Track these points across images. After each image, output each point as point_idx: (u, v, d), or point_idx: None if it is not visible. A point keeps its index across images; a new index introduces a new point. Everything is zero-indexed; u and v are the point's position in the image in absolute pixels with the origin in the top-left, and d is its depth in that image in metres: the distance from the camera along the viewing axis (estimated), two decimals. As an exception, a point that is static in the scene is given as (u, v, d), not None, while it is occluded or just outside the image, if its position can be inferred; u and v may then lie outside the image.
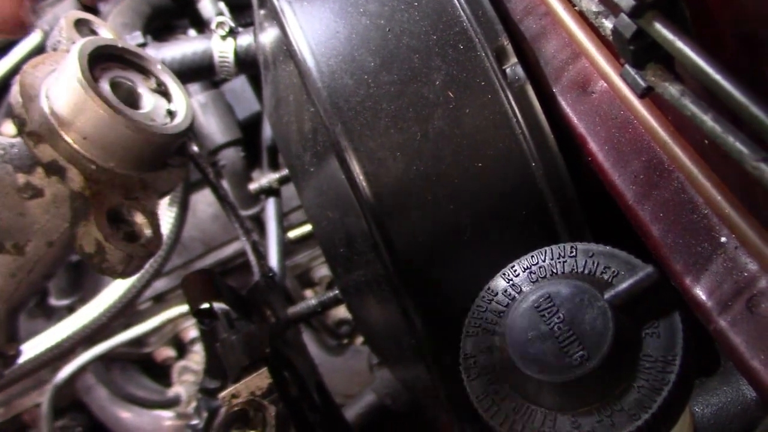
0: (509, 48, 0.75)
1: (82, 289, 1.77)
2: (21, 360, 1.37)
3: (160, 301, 1.80)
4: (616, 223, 0.70)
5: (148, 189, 0.74)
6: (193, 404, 1.68)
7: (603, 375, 0.48)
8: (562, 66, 0.75)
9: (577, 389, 0.48)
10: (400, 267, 0.75)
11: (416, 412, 1.38)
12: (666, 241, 0.63)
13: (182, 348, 1.88)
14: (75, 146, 0.70)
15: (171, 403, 1.80)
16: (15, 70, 1.55)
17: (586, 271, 0.53)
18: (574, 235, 0.73)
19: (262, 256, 1.06)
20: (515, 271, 0.55)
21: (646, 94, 0.54)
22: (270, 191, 1.23)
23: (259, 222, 1.63)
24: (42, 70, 0.74)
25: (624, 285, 0.50)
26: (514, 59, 0.75)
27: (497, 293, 0.54)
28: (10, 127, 1.61)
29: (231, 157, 1.61)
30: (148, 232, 0.72)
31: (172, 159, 0.78)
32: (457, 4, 0.77)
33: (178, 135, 0.73)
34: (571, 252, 0.54)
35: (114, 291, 1.34)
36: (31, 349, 1.36)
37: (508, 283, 0.55)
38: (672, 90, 0.52)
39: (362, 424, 1.35)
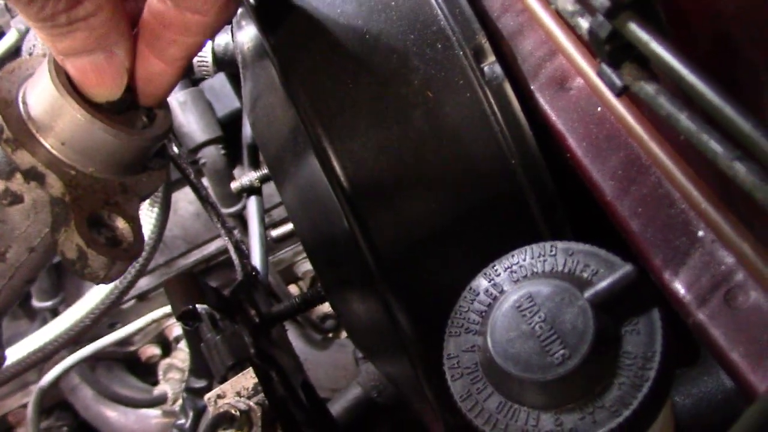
0: (487, 46, 0.75)
1: (64, 290, 1.77)
2: (6, 364, 1.37)
3: (144, 299, 1.79)
4: (596, 219, 0.71)
5: (129, 193, 0.73)
6: (179, 402, 1.68)
7: (584, 373, 0.48)
8: (539, 63, 0.75)
9: (559, 387, 0.49)
10: (382, 265, 0.75)
11: (402, 404, 1.39)
12: (645, 236, 0.64)
13: (167, 346, 1.88)
14: (53, 152, 0.69)
15: (157, 402, 1.80)
16: (-9, 70, 1.54)
17: (566, 270, 0.53)
18: (554, 232, 0.74)
19: (245, 255, 1.06)
20: (496, 270, 0.56)
21: (623, 92, 0.55)
22: (251, 190, 1.23)
23: (241, 219, 1.64)
24: (18, 75, 0.73)
25: (604, 283, 0.51)
26: (492, 57, 0.75)
27: (479, 293, 0.55)
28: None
29: (212, 155, 1.61)
30: (129, 236, 0.71)
31: (152, 162, 0.77)
32: (434, 4, 0.77)
33: (157, 138, 0.73)
34: (551, 251, 0.55)
35: (98, 293, 1.34)
36: (15, 352, 1.35)
37: (490, 282, 0.55)
38: (648, 89, 0.53)
39: (349, 417, 1.36)
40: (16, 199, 0.71)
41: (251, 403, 0.78)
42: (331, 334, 1.83)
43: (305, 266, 1.88)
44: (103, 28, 0.61)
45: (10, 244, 0.73)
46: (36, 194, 0.71)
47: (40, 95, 0.69)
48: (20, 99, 0.71)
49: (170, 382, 1.78)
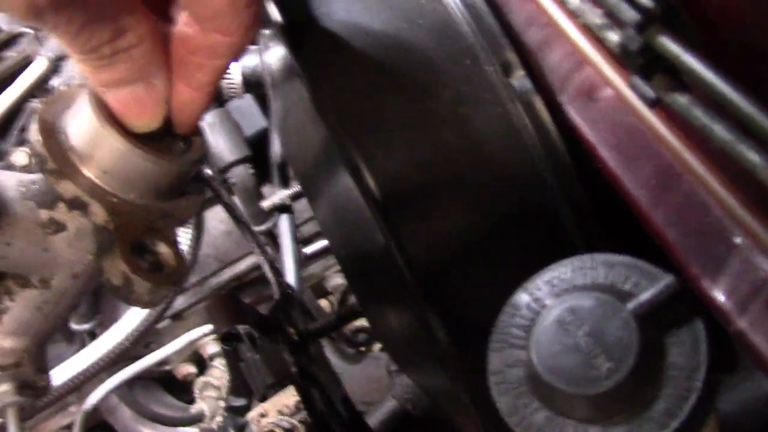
0: (515, 60, 0.76)
1: (100, 312, 1.79)
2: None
3: (178, 318, 1.81)
4: (631, 229, 0.71)
5: (169, 218, 0.75)
6: (217, 419, 1.69)
7: (630, 386, 0.49)
8: (567, 75, 0.75)
9: (606, 401, 0.49)
10: (417, 276, 0.76)
11: (436, 416, 1.39)
12: (681, 245, 0.64)
13: (202, 363, 1.90)
14: (96, 181, 0.71)
15: (194, 420, 1.82)
16: (23, 98, 1.57)
17: (608, 283, 0.54)
18: (589, 242, 0.74)
19: (279, 273, 1.07)
20: (536, 284, 0.56)
21: (656, 104, 0.55)
22: (283, 208, 1.24)
23: (271, 236, 1.65)
24: (59, 107, 0.75)
25: (646, 295, 0.51)
26: (520, 71, 0.76)
27: (520, 308, 0.55)
28: (21, 156, 1.63)
29: (241, 174, 1.62)
30: (171, 261, 0.73)
31: (189, 186, 0.79)
32: (461, 20, 0.78)
33: (195, 163, 0.75)
34: (592, 264, 0.55)
35: (136, 315, 1.36)
36: (58, 376, 1.37)
37: (531, 297, 0.56)
38: (681, 100, 0.53)
39: (385, 431, 1.36)
40: (60, 227, 0.73)
41: (294, 422, 0.79)
42: (363, 348, 1.84)
43: (335, 280, 1.89)
44: (144, 59, 0.62)
45: (54, 271, 0.75)
46: (79, 222, 0.72)
47: (80, 126, 0.71)
48: (61, 130, 0.73)
49: (207, 400, 1.80)
